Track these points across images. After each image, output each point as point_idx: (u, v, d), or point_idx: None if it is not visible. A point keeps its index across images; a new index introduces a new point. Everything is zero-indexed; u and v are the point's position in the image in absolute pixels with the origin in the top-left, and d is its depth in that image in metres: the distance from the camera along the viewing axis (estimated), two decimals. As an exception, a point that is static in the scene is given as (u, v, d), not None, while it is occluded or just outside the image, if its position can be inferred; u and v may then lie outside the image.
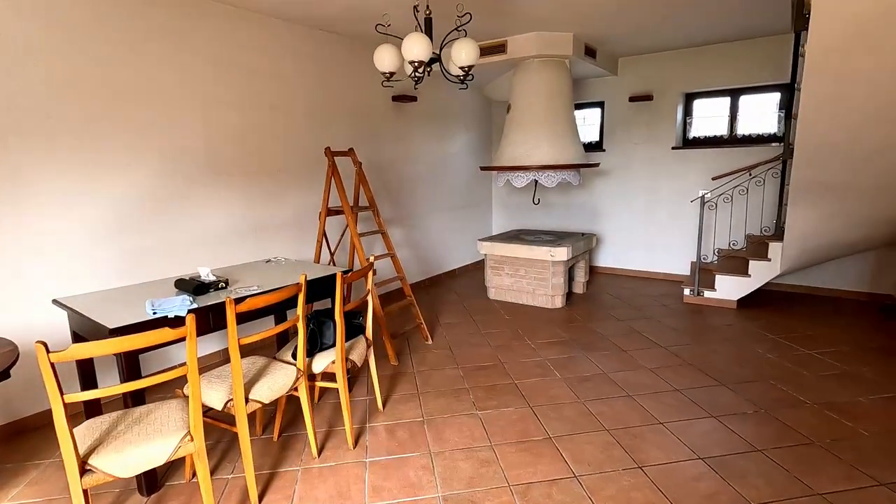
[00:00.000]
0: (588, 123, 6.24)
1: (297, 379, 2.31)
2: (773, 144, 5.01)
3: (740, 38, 4.97)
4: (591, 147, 6.16)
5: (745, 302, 4.67)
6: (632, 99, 5.61)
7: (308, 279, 2.68)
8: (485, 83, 6.07)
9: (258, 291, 2.50)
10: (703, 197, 4.60)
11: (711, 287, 4.71)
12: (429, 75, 2.77)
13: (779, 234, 4.31)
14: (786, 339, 3.86)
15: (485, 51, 4.74)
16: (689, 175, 5.49)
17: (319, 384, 2.55)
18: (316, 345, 2.53)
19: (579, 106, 6.18)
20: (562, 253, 4.55)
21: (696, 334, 4.01)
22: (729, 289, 4.62)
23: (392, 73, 2.73)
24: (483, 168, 5.04)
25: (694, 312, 4.58)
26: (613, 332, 4.08)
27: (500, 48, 4.66)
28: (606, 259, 6.22)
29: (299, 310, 2.28)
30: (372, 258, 2.74)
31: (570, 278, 5.26)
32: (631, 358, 3.55)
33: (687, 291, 4.86)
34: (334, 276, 2.50)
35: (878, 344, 3.72)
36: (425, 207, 5.73)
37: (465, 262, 6.52)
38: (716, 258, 5.36)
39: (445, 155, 6.00)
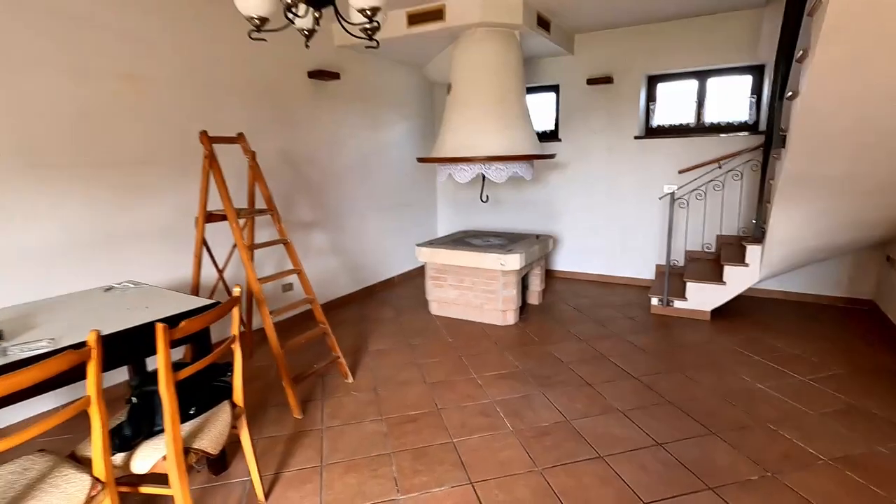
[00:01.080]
0: (542, 110, 5.54)
1: (93, 497, 1.44)
2: (745, 134, 4.48)
3: (709, 13, 4.39)
4: (545, 136, 5.48)
5: (719, 312, 4.11)
6: (590, 81, 4.95)
7: (121, 330, 1.78)
8: (424, 62, 5.25)
9: (43, 351, 1.60)
10: (672, 194, 3.99)
11: (682, 296, 4.13)
12: (318, 25, 1.93)
13: (758, 236, 3.76)
14: (773, 360, 3.29)
15: (418, 18, 3.92)
16: (654, 167, 4.90)
17: (147, 490, 1.68)
18: (140, 430, 1.66)
19: (532, 90, 5.48)
20: (514, 261, 3.82)
21: (670, 357, 3.38)
22: (702, 298, 4.05)
23: (263, 21, 1.87)
24: (420, 160, 4.24)
25: (664, 326, 3.97)
26: (575, 358, 3.40)
27: (436, 14, 3.85)
28: (564, 262, 5.58)
29: (89, 386, 1.40)
30: (237, 289, 1.88)
31: (524, 287, 4.56)
32: (598, 395, 2.87)
33: (655, 301, 4.26)
34: (172, 319, 1.62)
35: (875, 364, 3.21)
36: (357, 207, 4.87)
37: (407, 268, 5.71)
38: (684, 262, 4.82)
39: (381, 145, 5.14)
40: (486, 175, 4.01)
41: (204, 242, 2.91)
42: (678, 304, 4.15)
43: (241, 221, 3.22)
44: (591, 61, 5.01)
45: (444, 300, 4.30)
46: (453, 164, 4.02)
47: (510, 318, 4.06)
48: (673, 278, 4.40)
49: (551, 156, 4.15)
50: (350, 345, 3.72)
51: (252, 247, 2.89)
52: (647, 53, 4.75)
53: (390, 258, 5.44)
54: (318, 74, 4.13)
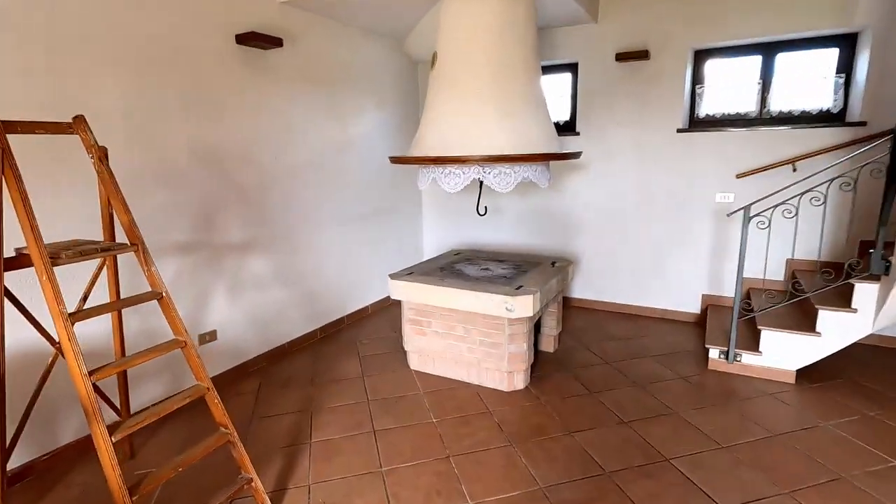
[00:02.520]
0: (554, 95, 4.38)
1: None
2: (827, 126, 3.36)
3: (785, -38, 3.26)
4: (557, 129, 4.32)
5: (806, 371, 2.99)
6: (620, 57, 3.80)
7: None
8: (403, 32, 4.07)
9: None
10: (747, 209, 2.86)
11: (754, 348, 3.01)
12: None
13: (879, 271, 2.62)
14: (922, 468, 2.17)
15: (389, -45, 2.74)
16: (702, 169, 3.77)
17: None
18: None
19: (542, 70, 4.30)
20: (525, 305, 2.67)
21: (764, 459, 2.24)
22: (784, 353, 2.93)
23: None
24: (394, 160, 3.06)
25: (734, 395, 2.84)
26: (619, 459, 2.25)
27: (414, -51, 2.68)
28: (584, 288, 4.43)
29: None
30: None
31: (536, 330, 3.41)
32: (675, 555, 1.72)
33: (715, 353, 3.13)
34: None
35: None
36: (315, 218, 3.69)
37: (385, 293, 4.54)
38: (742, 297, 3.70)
39: (349, 138, 3.96)
40: (485, 181, 2.85)
41: (8, 297, 1.73)
42: (748, 358, 3.02)
43: (95, 263, 2.04)
44: (620, 31, 3.85)
45: (427, 352, 3.14)
46: (438, 165, 2.86)
47: (518, 381, 2.92)
48: (726, 316, 3.26)
49: (576, 155, 2.99)
50: (285, 431, 2.55)
51: (97, 310, 1.70)
52: (694, 20, 3.61)
53: (362, 283, 4.26)
54: (251, 39, 2.94)
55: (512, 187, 2.85)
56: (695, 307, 3.97)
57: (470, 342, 2.95)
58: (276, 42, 3.06)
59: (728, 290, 3.79)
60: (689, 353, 3.39)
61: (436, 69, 2.95)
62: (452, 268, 3.39)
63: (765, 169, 3.50)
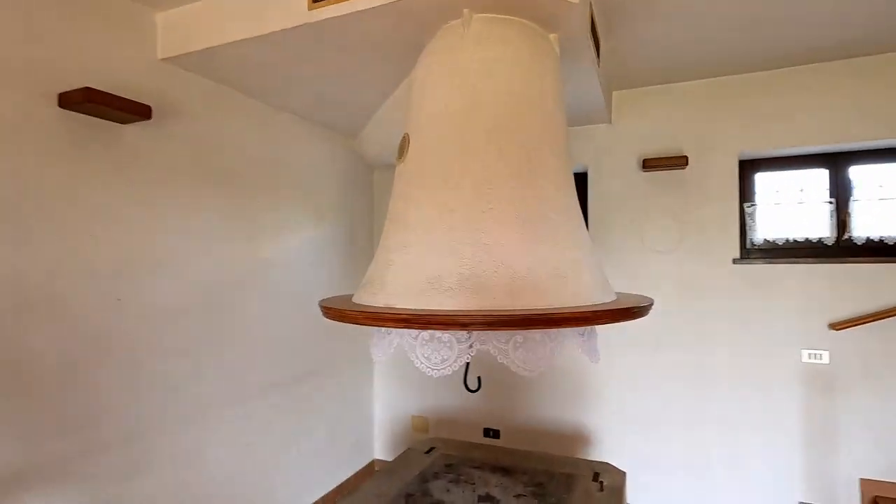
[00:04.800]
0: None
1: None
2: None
3: (848, 55, 2.53)
4: (562, 255, 3.21)
5: None
6: (648, 165, 2.85)
7: None
8: (356, 124, 3.00)
9: None
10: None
11: None
12: None
13: None
14: None
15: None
16: (776, 315, 2.68)
17: None
18: None
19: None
20: None
21: None
22: None
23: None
24: (332, 314, 1.69)
25: None
26: None
27: (376, -28, 1.63)
28: (607, 483, 2.99)
29: None
30: None
31: None
32: None
33: None
34: None
35: None
36: (188, 399, 2.17)
37: (324, 489, 2.89)
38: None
39: (261, 267, 2.62)
40: (499, 356, 1.53)
41: None
42: None
43: None
44: (643, 132, 2.96)
45: None
46: (410, 327, 1.53)
47: None
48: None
49: (646, 309, 1.76)
50: None
51: None
52: (740, 121, 2.77)
53: (269, 494, 2.63)
54: (84, 100, 1.68)
55: (541, 369, 1.54)
56: (789, 523, 2.62)
57: None
58: (138, 111, 1.83)
59: (844, 497, 2.50)
60: None
61: (406, 161, 1.76)
62: (427, 493, 1.91)
63: (874, 318, 2.45)
